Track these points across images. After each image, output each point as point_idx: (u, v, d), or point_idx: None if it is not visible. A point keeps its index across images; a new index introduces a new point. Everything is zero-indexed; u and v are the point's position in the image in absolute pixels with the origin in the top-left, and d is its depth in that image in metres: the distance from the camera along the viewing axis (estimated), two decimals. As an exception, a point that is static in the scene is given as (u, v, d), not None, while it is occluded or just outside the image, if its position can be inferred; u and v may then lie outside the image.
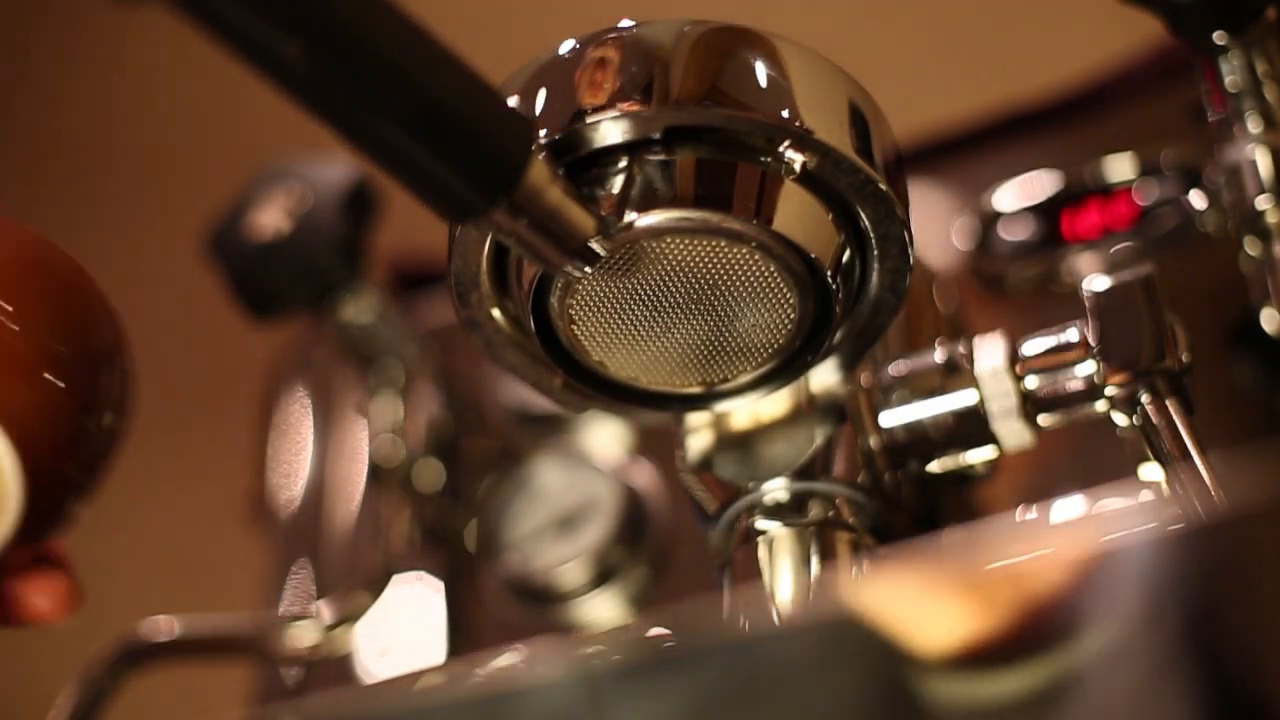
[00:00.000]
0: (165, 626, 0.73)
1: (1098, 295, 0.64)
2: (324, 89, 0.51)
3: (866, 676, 0.47)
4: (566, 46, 0.59)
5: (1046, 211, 0.78)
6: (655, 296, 0.59)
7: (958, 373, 0.65)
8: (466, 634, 0.78)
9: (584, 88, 0.57)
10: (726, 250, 0.58)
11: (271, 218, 0.79)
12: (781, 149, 0.58)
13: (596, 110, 0.57)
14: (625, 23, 0.58)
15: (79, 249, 0.62)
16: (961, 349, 0.65)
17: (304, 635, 0.74)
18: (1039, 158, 0.79)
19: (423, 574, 0.80)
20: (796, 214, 0.58)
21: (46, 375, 0.57)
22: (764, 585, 0.61)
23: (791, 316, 0.59)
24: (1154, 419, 0.63)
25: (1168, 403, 0.62)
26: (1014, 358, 0.65)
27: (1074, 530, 0.46)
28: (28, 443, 0.56)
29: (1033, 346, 0.65)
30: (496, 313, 0.62)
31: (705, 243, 0.58)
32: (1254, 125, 0.67)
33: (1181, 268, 0.72)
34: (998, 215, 0.78)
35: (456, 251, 0.60)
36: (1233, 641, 0.46)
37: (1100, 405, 0.64)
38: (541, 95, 0.58)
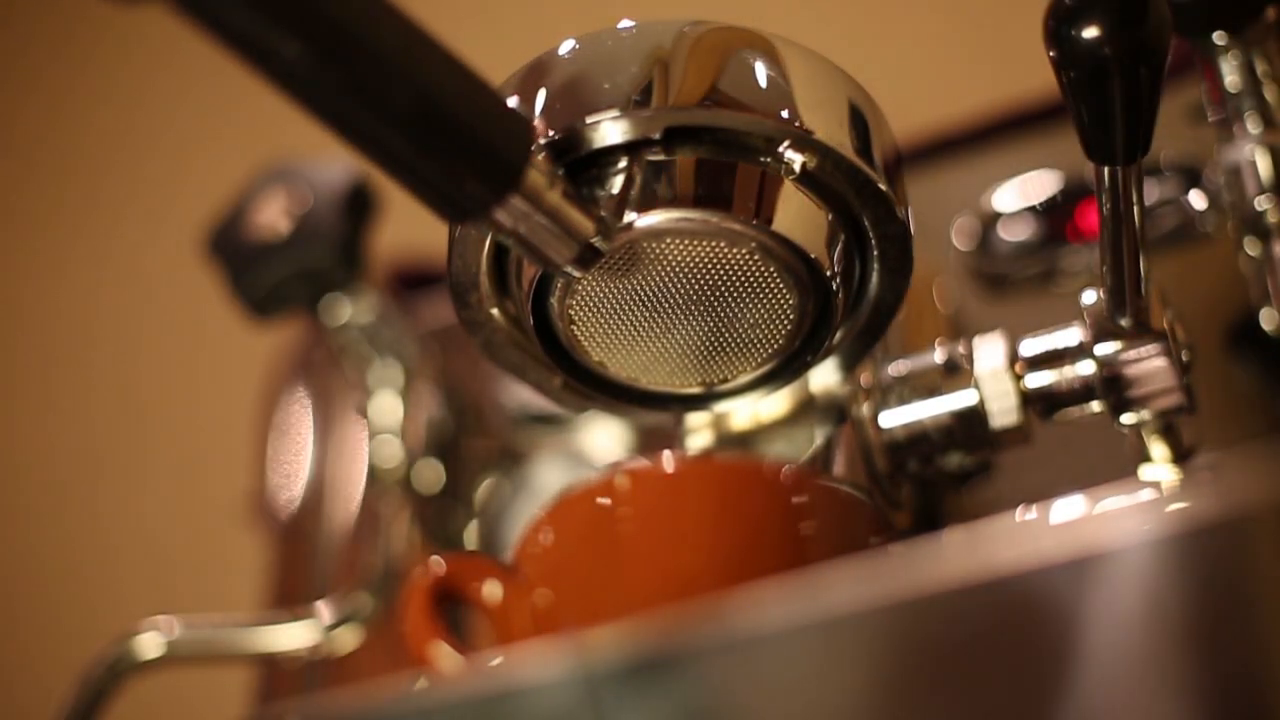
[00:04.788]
0: (165, 626, 0.73)
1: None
2: (323, 89, 0.51)
3: (871, 675, 0.47)
4: (566, 46, 0.59)
5: (1046, 211, 0.77)
6: (655, 297, 0.59)
7: (958, 373, 0.65)
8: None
9: (584, 88, 0.57)
10: (726, 251, 0.58)
11: (271, 218, 0.79)
12: (781, 149, 0.58)
13: (596, 110, 0.57)
14: (625, 23, 0.58)
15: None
16: (961, 349, 0.65)
17: (304, 635, 0.74)
18: (1039, 158, 0.79)
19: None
20: (796, 214, 0.58)
21: None
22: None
23: (791, 317, 0.59)
24: (1153, 419, 0.63)
25: (1168, 403, 0.62)
26: (1014, 358, 0.65)
27: (1074, 530, 0.46)
28: None
29: (1033, 346, 0.65)
30: (496, 313, 0.62)
31: (705, 243, 0.58)
32: (1254, 125, 0.67)
33: (1181, 268, 0.72)
34: (998, 215, 0.78)
35: (456, 252, 0.60)
36: (1232, 642, 0.46)
37: (1100, 405, 0.64)
38: (541, 95, 0.58)
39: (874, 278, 0.61)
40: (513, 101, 0.58)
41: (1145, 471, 0.65)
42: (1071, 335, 0.64)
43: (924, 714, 0.47)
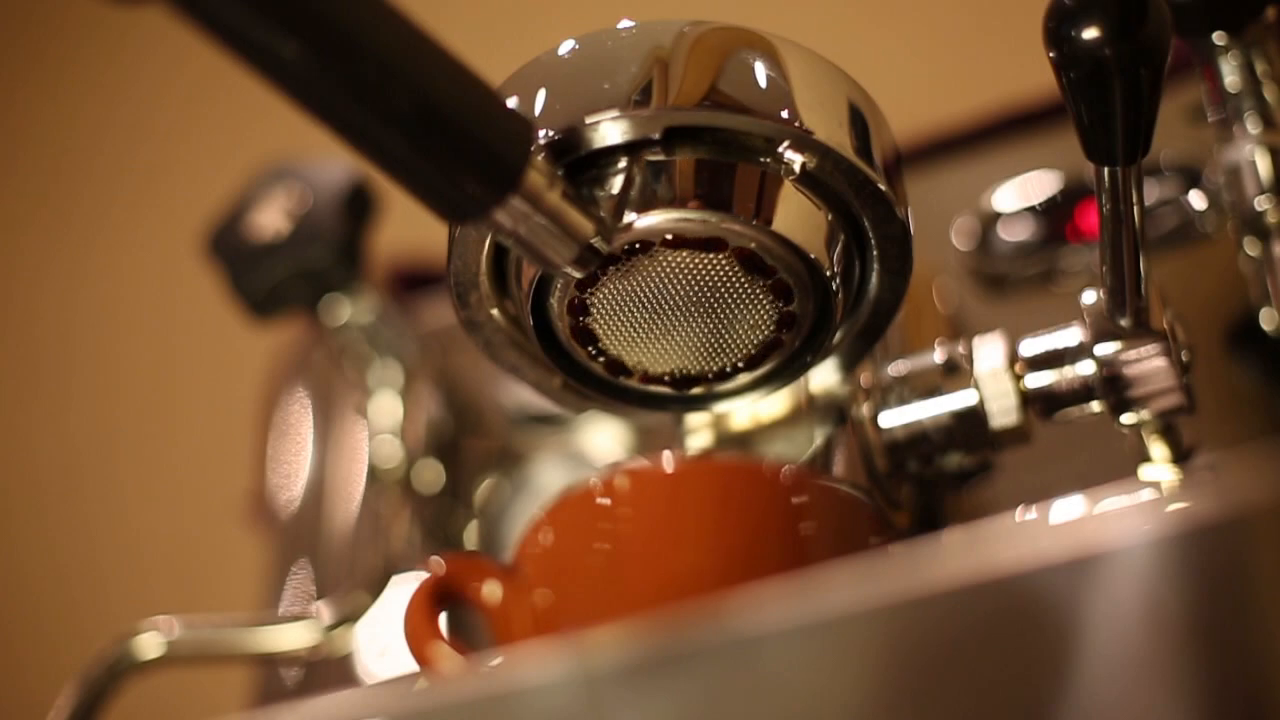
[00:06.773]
0: (165, 626, 0.73)
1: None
2: (322, 90, 0.51)
3: (870, 676, 0.47)
4: (566, 46, 0.59)
5: (1047, 211, 0.77)
6: (655, 297, 0.59)
7: (957, 373, 0.65)
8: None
9: (583, 88, 0.57)
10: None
11: (271, 218, 0.79)
12: (781, 150, 0.58)
13: (596, 111, 0.57)
14: (625, 23, 0.58)
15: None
16: (961, 349, 0.65)
17: (304, 635, 0.74)
18: (1039, 158, 0.79)
19: (422, 574, 0.80)
20: (796, 215, 0.58)
21: None
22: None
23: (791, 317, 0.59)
24: (1153, 419, 0.63)
25: (1168, 402, 0.62)
26: (1014, 358, 0.65)
27: (1074, 530, 0.46)
28: None
29: (1033, 346, 0.65)
30: (496, 313, 0.62)
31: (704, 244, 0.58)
32: (1254, 125, 0.67)
33: (1181, 268, 0.72)
34: (998, 215, 0.78)
35: (456, 252, 0.60)
36: (1232, 642, 0.46)
37: (1100, 405, 0.64)
38: (541, 95, 0.58)
39: (874, 278, 0.61)
40: (512, 102, 0.58)
41: (1145, 471, 0.65)
42: (1071, 335, 0.64)
43: (924, 714, 0.47)
